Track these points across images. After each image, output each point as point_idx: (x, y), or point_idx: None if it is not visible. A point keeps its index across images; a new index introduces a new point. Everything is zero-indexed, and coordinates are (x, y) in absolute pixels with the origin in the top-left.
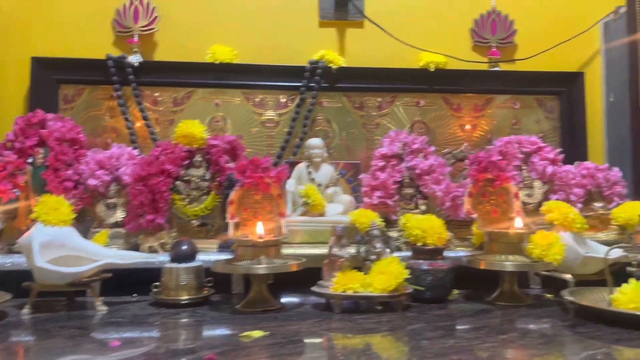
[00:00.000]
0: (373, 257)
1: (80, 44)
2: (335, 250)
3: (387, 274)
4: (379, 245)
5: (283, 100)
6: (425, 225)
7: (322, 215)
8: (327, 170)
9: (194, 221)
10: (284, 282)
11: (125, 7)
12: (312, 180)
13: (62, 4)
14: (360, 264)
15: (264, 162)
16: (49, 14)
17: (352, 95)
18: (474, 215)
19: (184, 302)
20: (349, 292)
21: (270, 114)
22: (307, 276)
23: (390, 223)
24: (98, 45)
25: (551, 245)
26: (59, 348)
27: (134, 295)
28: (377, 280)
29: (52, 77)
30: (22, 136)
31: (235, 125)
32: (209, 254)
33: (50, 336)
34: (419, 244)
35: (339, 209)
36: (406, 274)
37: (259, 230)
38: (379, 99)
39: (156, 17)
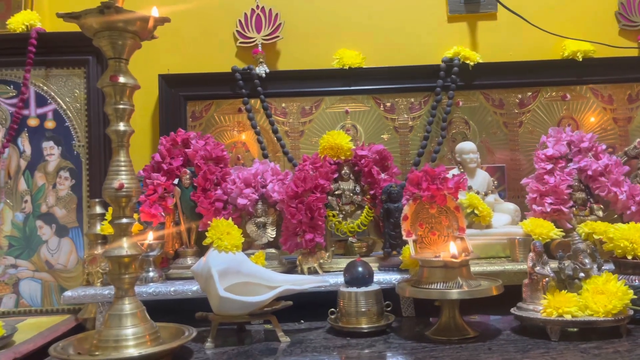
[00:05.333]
0: (582, 275)
1: (204, 59)
2: (539, 269)
3: (608, 294)
4: (587, 260)
5: (415, 102)
6: (633, 235)
7: (489, 226)
8: (482, 177)
9: (351, 238)
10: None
11: (246, 17)
12: (470, 188)
13: (183, 19)
14: (564, 283)
15: (440, 171)
16: (172, 30)
17: (490, 92)
18: None
19: (366, 330)
20: (567, 317)
21: (403, 118)
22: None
23: (565, 232)
24: (222, 58)
25: None
26: None
27: (301, 321)
28: (597, 301)
29: (179, 94)
30: (169, 157)
31: (366, 133)
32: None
33: None
34: (628, 256)
35: (505, 219)
36: (631, 294)
37: (453, 249)
38: (520, 95)
39: (280, 24)
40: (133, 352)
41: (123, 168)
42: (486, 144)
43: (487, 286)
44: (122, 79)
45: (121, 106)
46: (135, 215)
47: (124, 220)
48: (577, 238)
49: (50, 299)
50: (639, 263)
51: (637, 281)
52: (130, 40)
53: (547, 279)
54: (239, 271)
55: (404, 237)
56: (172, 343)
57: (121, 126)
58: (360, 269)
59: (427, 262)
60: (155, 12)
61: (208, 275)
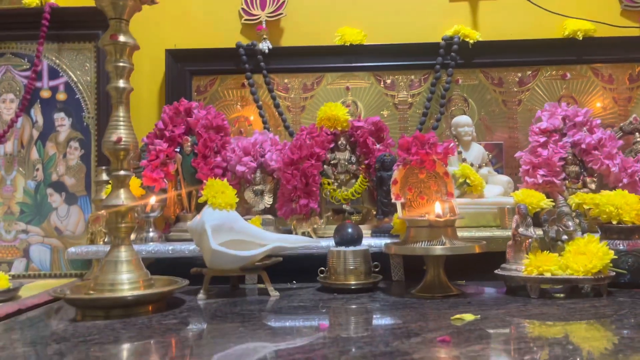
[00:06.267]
0: (565, 237)
1: (210, 35)
2: (522, 230)
3: (589, 255)
4: (570, 223)
5: (415, 80)
6: (619, 201)
7: (481, 196)
8: (477, 150)
9: (344, 205)
10: (448, 267)
11: None
12: (464, 160)
13: None
14: (547, 246)
15: (430, 137)
16: (178, 6)
17: (489, 71)
18: None
19: (353, 287)
20: (547, 275)
21: (402, 95)
22: (472, 261)
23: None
24: (227, 34)
25: None
26: (242, 334)
27: (293, 282)
28: (578, 261)
29: (185, 69)
30: (171, 125)
31: (366, 109)
32: (364, 240)
33: (232, 321)
34: (614, 221)
35: (498, 190)
36: (612, 254)
37: (438, 209)
38: (519, 74)
39: (283, 1)
40: (127, 294)
41: (122, 123)
42: (485, 121)
43: (471, 245)
44: (122, 38)
45: (121, 64)
46: (139, 181)
47: (122, 172)
48: (561, 202)
49: (58, 263)
50: (623, 227)
51: (621, 245)
52: (131, 1)
53: (530, 240)
54: (232, 228)
55: (393, 200)
56: (164, 288)
57: (121, 83)
58: (349, 229)
59: (413, 221)
60: None
61: (202, 231)
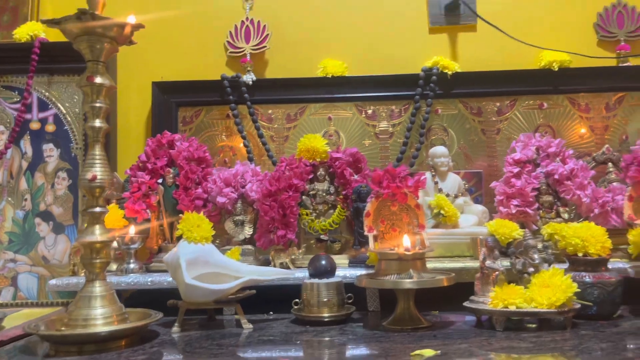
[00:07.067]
0: (531, 269)
1: (196, 67)
2: (489, 263)
3: (553, 287)
4: (536, 256)
5: (396, 110)
6: (585, 234)
7: (455, 226)
8: (454, 180)
9: (322, 236)
10: (421, 298)
11: (236, 28)
12: (440, 190)
13: (177, 29)
14: (515, 278)
15: (401, 171)
16: (166, 39)
17: (468, 101)
18: (637, 222)
19: (326, 319)
20: (512, 308)
21: (383, 125)
22: (445, 292)
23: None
24: (212, 66)
25: None
26: None
27: (270, 313)
28: (542, 294)
29: (171, 100)
30: (154, 157)
31: (348, 139)
32: (340, 270)
33: (201, 355)
34: (580, 254)
35: (472, 219)
36: (575, 287)
37: (406, 242)
38: (498, 104)
39: (267, 35)
40: (100, 330)
41: (97, 161)
42: (464, 150)
43: (439, 278)
44: (98, 80)
45: (97, 104)
46: (122, 212)
47: (97, 209)
48: (527, 234)
49: (45, 292)
50: (589, 260)
51: (587, 277)
52: (107, 44)
53: (497, 272)
54: (207, 261)
55: (366, 233)
56: (137, 322)
57: (97, 122)
58: (322, 262)
59: (383, 254)
60: (131, 20)
61: (177, 265)
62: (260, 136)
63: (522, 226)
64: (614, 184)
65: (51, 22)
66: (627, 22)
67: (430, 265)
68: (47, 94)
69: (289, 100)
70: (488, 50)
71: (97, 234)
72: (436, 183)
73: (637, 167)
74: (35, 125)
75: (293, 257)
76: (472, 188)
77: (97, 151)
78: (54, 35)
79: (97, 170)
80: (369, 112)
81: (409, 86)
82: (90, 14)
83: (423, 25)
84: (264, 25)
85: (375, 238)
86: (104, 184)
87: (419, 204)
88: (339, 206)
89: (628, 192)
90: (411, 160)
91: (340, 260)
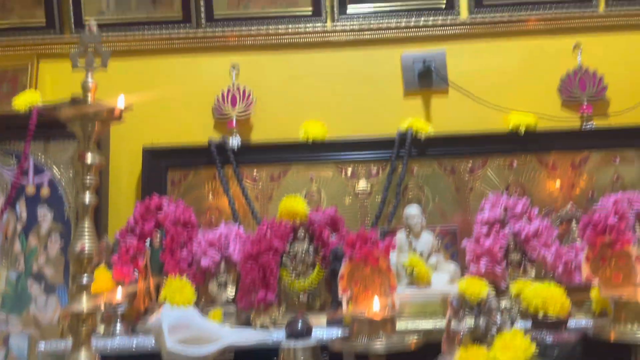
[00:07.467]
0: (494, 330)
1: (185, 131)
2: (454, 325)
3: (513, 349)
4: (498, 317)
5: (374, 170)
6: (545, 294)
7: (428, 285)
8: (427, 239)
9: (301, 296)
10: (394, 357)
11: (223, 94)
12: (413, 249)
13: (167, 96)
14: (480, 338)
15: (372, 235)
16: (157, 105)
17: (442, 160)
18: (595, 282)
19: None
20: None
21: (362, 184)
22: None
23: (499, 292)
24: (201, 130)
25: None
26: None
27: None
28: (503, 355)
29: (161, 164)
30: (142, 221)
31: (329, 197)
32: (319, 329)
33: None
34: (540, 314)
35: (444, 278)
36: (534, 348)
37: (375, 305)
38: (470, 163)
39: (252, 101)
40: None
41: (86, 233)
42: (439, 207)
43: (408, 340)
44: (89, 158)
45: (87, 180)
46: (110, 274)
47: (84, 279)
48: (491, 297)
49: (36, 354)
50: (549, 321)
51: (548, 337)
52: (98, 125)
53: (461, 333)
54: (189, 325)
55: (339, 295)
56: None
57: (87, 197)
58: (299, 324)
59: (355, 317)
60: (121, 102)
61: (159, 330)
62: (246, 196)
63: (494, 284)
64: (578, 241)
65: (48, 109)
66: (589, 85)
67: (404, 324)
68: (42, 158)
69: (272, 162)
70: (460, 113)
71: (84, 304)
72: (410, 242)
73: (592, 229)
74: (30, 190)
75: (273, 317)
76: (447, 244)
77: (86, 223)
78: (51, 101)
79: (86, 242)
80: (349, 172)
81: (386, 147)
82: (83, 100)
83: (398, 90)
84: (250, 92)
85: (349, 300)
86: (92, 255)
87: (389, 266)
88: (317, 266)
89: (585, 253)
90: (388, 218)
91: (320, 319)
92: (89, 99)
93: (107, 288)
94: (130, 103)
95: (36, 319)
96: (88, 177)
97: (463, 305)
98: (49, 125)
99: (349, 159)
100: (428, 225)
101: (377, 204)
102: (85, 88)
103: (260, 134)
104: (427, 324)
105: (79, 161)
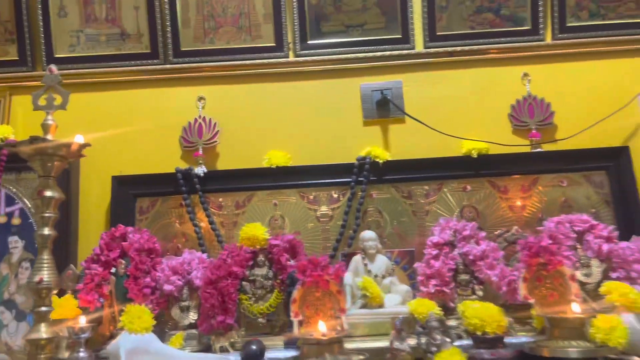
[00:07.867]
0: (434, 349)
1: (153, 160)
2: (397, 345)
3: None
4: (438, 337)
5: (335, 195)
6: (482, 314)
7: (381, 306)
8: (382, 261)
9: (260, 319)
10: None
11: (190, 125)
12: (369, 272)
13: (136, 127)
14: (421, 356)
15: (322, 260)
16: (125, 136)
17: (400, 185)
18: (531, 301)
19: None
20: None
21: (324, 209)
22: None
23: (449, 311)
24: (168, 159)
25: (613, 329)
26: None
27: None
28: None
29: (129, 193)
30: (107, 249)
31: (292, 222)
32: (276, 351)
33: None
34: (479, 332)
35: (397, 299)
36: None
37: (322, 328)
38: (426, 187)
39: (218, 131)
40: None
41: (45, 265)
42: (397, 230)
43: None
44: (48, 193)
45: (47, 215)
46: (76, 302)
47: (43, 309)
48: (432, 317)
49: None
50: (488, 338)
51: (485, 354)
52: (57, 161)
53: (403, 353)
54: (147, 350)
55: (292, 318)
56: None
57: (45, 231)
58: (253, 346)
59: (304, 339)
60: (79, 139)
61: (117, 354)
62: (211, 223)
63: (443, 304)
64: (521, 263)
65: (8, 146)
66: (537, 112)
67: (354, 344)
68: (14, 189)
69: (237, 189)
70: (416, 140)
71: (42, 332)
72: (365, 265)
73: (527, 252)
74: (1, 220)
75: (232, 340)
76: (405, 265)
77: (45, 256)
78: (24, 135)
79: (44, 274)
80: (311, 197)
81: (345, 174)
82: (42, 138)
83: (358, 119)
84: (215, 123)
85: (301, 323)
86: (50, 286)
87: (340, 289)
88: (276, 290)
89: (523, 273)
90: (349, 241)
91: (278, 341)
92: (49, 137)
93: (72, 315)
94: (89, 141)
95: (8, 345)
96: (47, 213)
97: (406, 324)
98: (20, 159)
99: (311, 185)
100: (387, 247)
101: (338, 228)
102: (44, 128)
103: (226, 163)
104: (378, 344)
105: (38, 197)
